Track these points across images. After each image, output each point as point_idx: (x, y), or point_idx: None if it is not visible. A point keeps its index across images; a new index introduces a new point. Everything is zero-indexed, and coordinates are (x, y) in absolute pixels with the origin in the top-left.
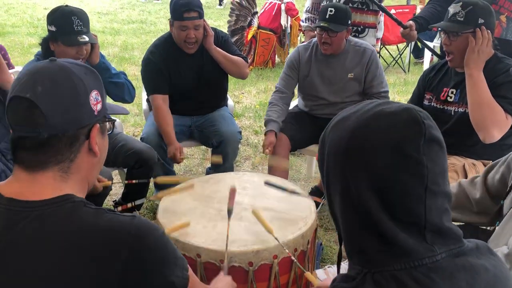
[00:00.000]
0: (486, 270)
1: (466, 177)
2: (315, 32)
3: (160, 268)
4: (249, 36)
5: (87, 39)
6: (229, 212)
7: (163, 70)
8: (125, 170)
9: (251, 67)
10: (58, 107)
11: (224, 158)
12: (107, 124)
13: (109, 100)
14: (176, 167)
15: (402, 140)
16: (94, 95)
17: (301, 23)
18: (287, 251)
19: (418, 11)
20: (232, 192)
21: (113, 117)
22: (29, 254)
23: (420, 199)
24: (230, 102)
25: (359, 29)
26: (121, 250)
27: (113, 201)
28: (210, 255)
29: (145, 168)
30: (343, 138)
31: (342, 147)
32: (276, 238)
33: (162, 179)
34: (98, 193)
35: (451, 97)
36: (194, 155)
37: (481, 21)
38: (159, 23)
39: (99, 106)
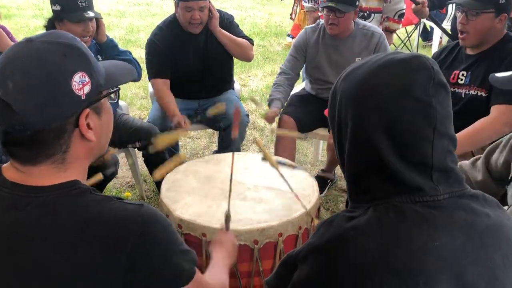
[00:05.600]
0: (487, 216)
1: None
2: (319, 13)
3: (166, 258)
4: None
5: (92, 14)
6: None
7: (166, 53)
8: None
9: None
10: (34, 103)
11: (231, 141)
12: (104, 100)
13: None
14: (182, 150)
15: (412, 84)
16: (77, 78)
17: (304, 3)
18: (295, 194)
19: None
20: (236, 113)
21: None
22: (35, 240)
23: (428, 139)
24: (236, 85)
25: (365, 14)
26: (128, 239)
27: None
28: (215, 234)
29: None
30: (355, 85)
31: (354, 93)
32: (281, 175)
33: (161, 139)
34: (106, 163)
35: (461, 79)
36: (201, 138)
37: (502, 0)
38: (165, 5)
39: (87, 89)
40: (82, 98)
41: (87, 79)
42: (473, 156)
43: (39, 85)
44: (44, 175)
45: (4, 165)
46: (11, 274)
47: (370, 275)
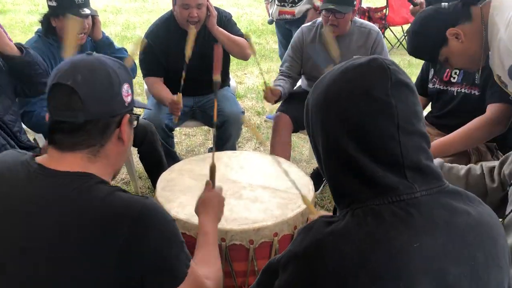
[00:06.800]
0: (468, 214)
1: (469, 160)
2: (268, 2)
3: (162, 253)
4: None
5: (88, 11)
6: (215, 85)
7: (161, 51)
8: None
9: None
10: (95, 94)
11: (227, 138)
12: (134, 118)
13: None
14: (177, 147)
15: (370, 86)
16: (126, 87)
17: None
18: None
19: None
20: (217, 51)
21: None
22: (44, 215)
23: (394, 138)
24: (232, 82)
25: None
26: (124, 227)
27: None
28: None
29: (148, 142)
30: (320, 94)
31: (319, 102)
32: (286, 172)
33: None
34: None
35: (454, 78)
36: (197, 135)
37: None
38: (161, 1)
39: (129, 98)
40: (126, 104)
41: (130, 91)
42: (469, 155)
43: (101, 81)
44: (75, 161)
45: (39, 156)
46: (16, 246)
47: (351, 280)
